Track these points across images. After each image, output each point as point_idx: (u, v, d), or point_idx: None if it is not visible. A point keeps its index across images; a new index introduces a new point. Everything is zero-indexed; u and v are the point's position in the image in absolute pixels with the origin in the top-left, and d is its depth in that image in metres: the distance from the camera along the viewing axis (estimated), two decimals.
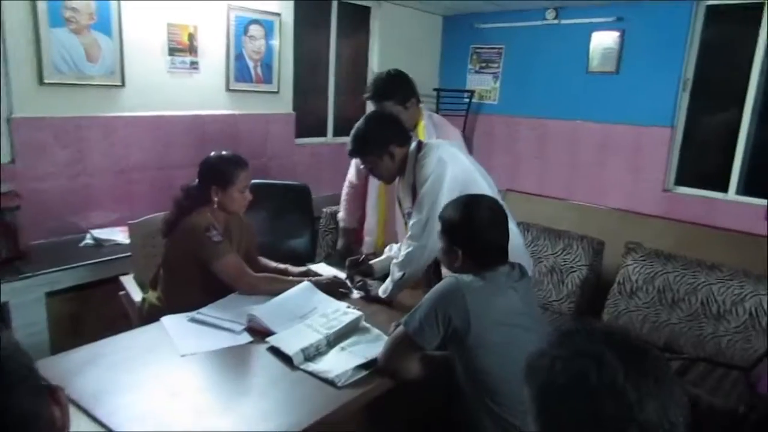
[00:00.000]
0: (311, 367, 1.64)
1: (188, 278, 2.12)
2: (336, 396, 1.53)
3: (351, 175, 2.95)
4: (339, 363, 1.65)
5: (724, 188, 3.98)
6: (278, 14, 3.95)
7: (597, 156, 4.54)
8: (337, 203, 3.08)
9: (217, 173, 2.18)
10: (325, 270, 2.62)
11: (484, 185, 2.20)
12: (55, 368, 1.58)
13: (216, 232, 2.09)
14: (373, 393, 1.58)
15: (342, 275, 2.50)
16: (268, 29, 3.93)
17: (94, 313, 2.86)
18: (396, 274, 2.20)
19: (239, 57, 3.80)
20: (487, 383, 1.52)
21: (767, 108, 3.83)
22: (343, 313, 1.91)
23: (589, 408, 0.75)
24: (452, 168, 2.12)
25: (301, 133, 4.33)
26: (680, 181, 4.24)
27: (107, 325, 2.81)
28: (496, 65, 5.03)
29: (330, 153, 4.50)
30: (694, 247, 3.47)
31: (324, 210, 3.85)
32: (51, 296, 2.72)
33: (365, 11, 4.78)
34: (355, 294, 2.33)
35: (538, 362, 0.82)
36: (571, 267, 3.44)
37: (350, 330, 1.83)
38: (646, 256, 3.27)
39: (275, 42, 3.98)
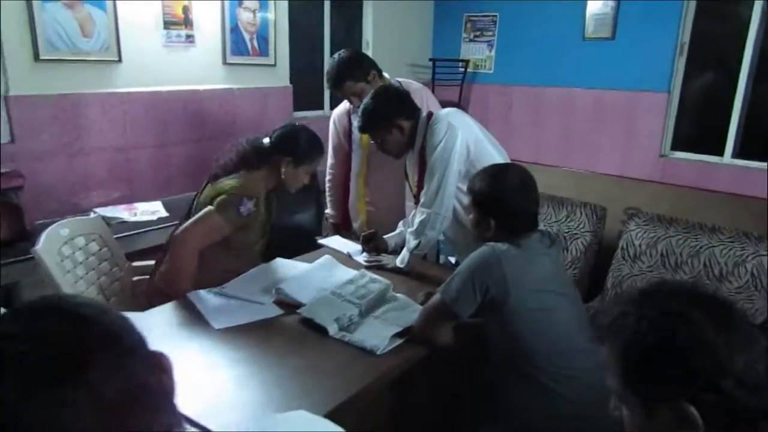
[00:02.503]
0: (347, 337, 1.65)
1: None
2: (375, 365, 1.55)
3: (330, 157, 2.93)
4: (375, 332, 1.66)
5: (720, 152, 4.04)
6: None
7: (592, 123, 4.56)
8: None
9: (299, 146, 2.10)
10: (338, 243, 2.62)
11: (494, 152, 2.22)
12: None
13: (251, 204, 1.96)
14: (411, 361, 1.61)
15: (356, 247, 2.52)
16: (262, 0, 3.84)
17: None
18: (411, 242, 2.21)
19: (234, 29, 3.72)
20: (524, 349, 1.55)
21: (763, 71, 3.87)
22: (370, 280, 1.92)
23: (680, 365, 0.77)
24: (463, 133, 2.12)
25: (298, 106, 4.28)
26: (676, 146, 4.28)
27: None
28: (490, 33, 5.00)
29: (328, 126, 4.44)
30: (691, 212, 3.52)
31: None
32: None
33: None
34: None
35: (621, 322, 0.83)
36: (575, 234, 3.48)
37: (380, 298, 1.84)
38: (648, 221, 3.32)
39: (270, 14, 3.90)
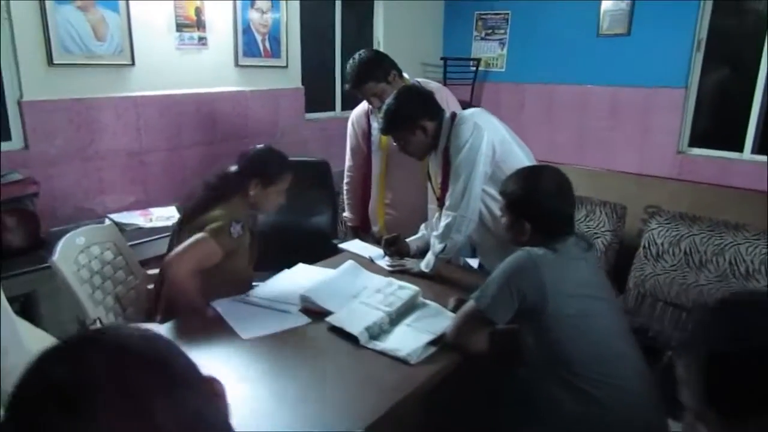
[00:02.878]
0: (379, 345, 1.60)
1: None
2: (410, 374, 1.50)
3: (348, 159, 2.88)
4: (407, 340, 1.61)
5: (739, 148, 3.98)
6: None
7: (608, 120, 4.50)
8: None
9: (263, 168, 2.04)
10: (359, 247, 2.58)
11: (520, 154, 2.18)
12: None
13: (239, 227, 1.95)
14: (447, 370, 1.56)
15: (377, 251, 2.47)
16: (274, 0, 3.80)
17: None
18: (437, 246, 2.16)
19: (246, 31, 3.68)
20: (563, 355, 1.50)
21: None
22: (399, 287, 1.87)
23: (761, 373, 0.72)
24: (489, 134, 2.08)
25: (310, 107, 4.24)
26: (694, 142, 4.22)
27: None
28: (502, 31, 4.94)
29: (339, 127, 4.36)
30: (712, 209, 3.46)
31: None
32: None
33: None
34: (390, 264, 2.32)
35: (697, 335, 0.79)
36: (595, 233, 3.43)
37: (410, 305, 1.79)
38: (670, 219, 3.26)
39: (282, 14, 3.86)
